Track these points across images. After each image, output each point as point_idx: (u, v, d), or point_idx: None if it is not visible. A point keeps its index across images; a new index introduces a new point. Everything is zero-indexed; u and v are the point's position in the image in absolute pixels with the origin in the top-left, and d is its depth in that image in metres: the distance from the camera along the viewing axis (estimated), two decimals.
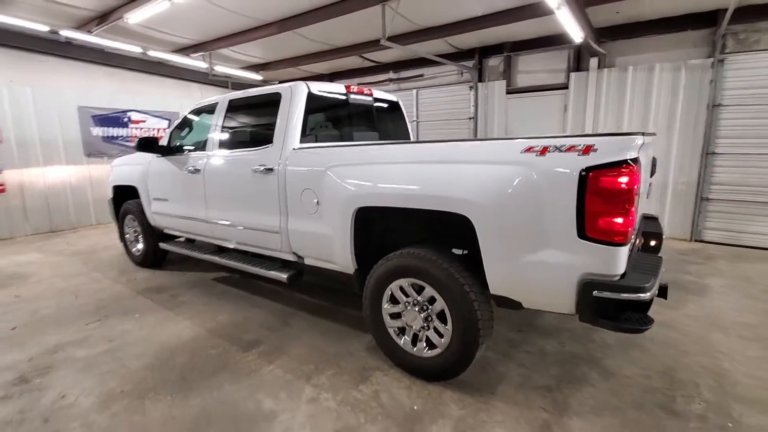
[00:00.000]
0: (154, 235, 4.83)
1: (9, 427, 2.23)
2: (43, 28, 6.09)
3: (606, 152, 1.83)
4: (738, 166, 5.57)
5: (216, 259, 4.00)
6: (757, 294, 4.02)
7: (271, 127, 3.32)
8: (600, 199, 1.84)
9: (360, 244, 2.82)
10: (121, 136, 8.28)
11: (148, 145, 4.18)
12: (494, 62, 7.56)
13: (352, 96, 3.79)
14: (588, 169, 1.84)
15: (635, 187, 1.83)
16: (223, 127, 3.83)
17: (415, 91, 8.44)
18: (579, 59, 6.66)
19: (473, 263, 2.34)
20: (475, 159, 2.21)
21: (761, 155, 5.39)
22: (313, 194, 2.94)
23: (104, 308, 3.88)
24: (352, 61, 8.58)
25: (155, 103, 8.73)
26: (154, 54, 7.64)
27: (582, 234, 1.90)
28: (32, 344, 3.18)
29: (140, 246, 5.09)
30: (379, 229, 2.93)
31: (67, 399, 2.48)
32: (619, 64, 6.37)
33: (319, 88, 3.44)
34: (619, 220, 1.84)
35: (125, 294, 4.25)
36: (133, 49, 7.24)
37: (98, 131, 7.95)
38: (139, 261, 5.17)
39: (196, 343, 3.16)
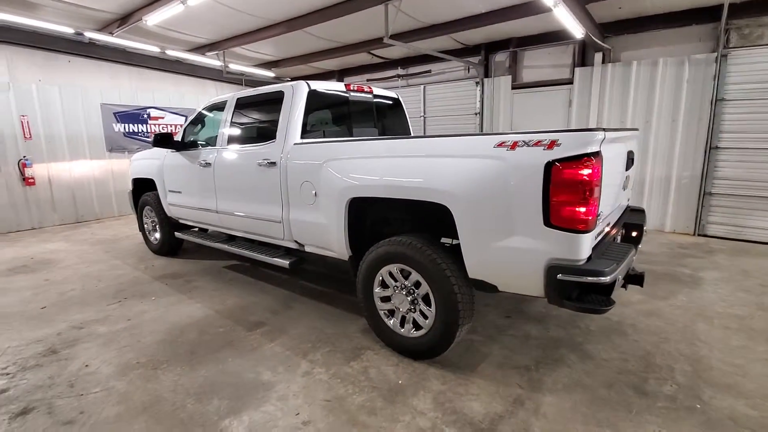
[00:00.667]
0: (170, 224, 5.15)
1: (40, 390, 2.54)
2: (68, 30, 6.48)
3: (569, 146, 1.98)
4: (742, 161, 5.55)
5: (225, 247, 4.27)
6: (751, 287, 4.06)
7: (274, 123, 3.54)
8: (563, 189, 1.99)
9: (354, 233, 3.03)
10: (141, 132, 8.69)
11: (163, 140, 4.46)
12: (500, 58, 7.62)
13: (353, 94, 3.98)
14: (552, 162, 2.00)
15: (596, 178, 1.98)
16: (231, 123, 4.08)
17: (422, 86, 8.56)
18: (584, 54, 6.67)
19: (458, 252, 2.51)
20: (452, 153, 2.39)
21: (765, 150, 5.36)
22: (312, 186, 3.16)
23: (124, 291, 4.21)
24: (361, 58, 8.75)
25: (173, 100, 9.11)
26: (172, 53, 7.98)
27: (548, 222, 2.06)
28: (60, 321, 3.51)
29: (157, 235, 5.42)
30: (373, 218, 3.14)
31: (90, 368, 2.78)
32: (624, 59, 6.37)
33: (320, 86, 3.64)
34: (582, 209, 1.99)
35: (143, 279, 4.57)
36: (152, 48, 7.59)
37: (120, 127, 8.37)
38: (156, 249, 5.50)
39: (205, 323, 3.44)
